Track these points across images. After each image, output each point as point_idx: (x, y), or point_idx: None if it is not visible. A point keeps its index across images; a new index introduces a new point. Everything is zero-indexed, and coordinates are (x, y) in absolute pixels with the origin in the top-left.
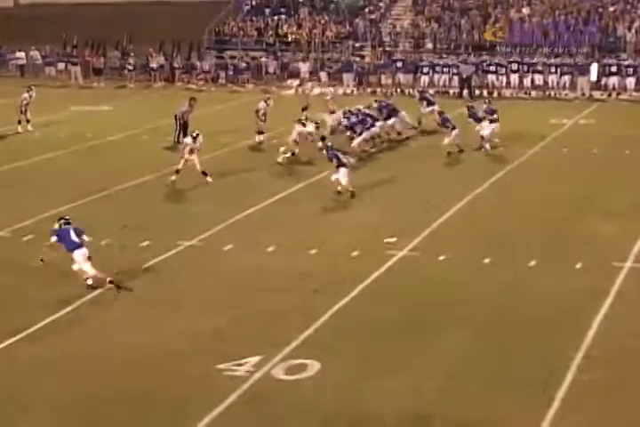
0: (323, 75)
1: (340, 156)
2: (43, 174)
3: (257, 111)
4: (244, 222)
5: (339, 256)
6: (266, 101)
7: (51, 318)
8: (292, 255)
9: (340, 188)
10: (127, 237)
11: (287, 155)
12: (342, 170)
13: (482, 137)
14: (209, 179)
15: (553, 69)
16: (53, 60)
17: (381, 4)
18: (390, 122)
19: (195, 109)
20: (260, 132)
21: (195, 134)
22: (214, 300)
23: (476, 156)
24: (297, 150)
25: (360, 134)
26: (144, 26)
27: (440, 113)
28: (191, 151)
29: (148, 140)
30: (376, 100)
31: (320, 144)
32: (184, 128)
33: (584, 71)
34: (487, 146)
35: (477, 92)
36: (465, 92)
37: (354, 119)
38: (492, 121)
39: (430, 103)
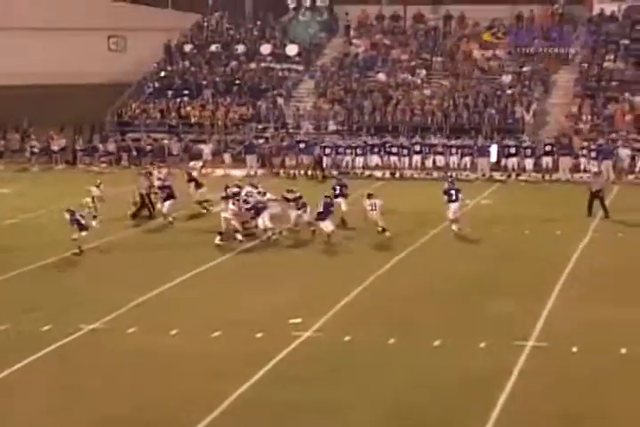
0: (226, 156)
1: (81, 220)
2: None
3: (92, 197)
4: (147, 304)
5: (243, 338)
6: (98, 186)
7: None
8: (195, 338)
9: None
10: (28, 321)
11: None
12: (84, 233)
13: (450, 219)
14: None
15: (454, 151)
16: None
17: (284, 87)
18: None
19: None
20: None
21: None
22: (117, 384)
23: (377, 238)
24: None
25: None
26: (45, 108)
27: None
28: None
29: (49, 223)
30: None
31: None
32: (150, 202)
33: (484, 152)
34: (454, 227)
35: (379, 173)
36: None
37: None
38: (452, 201)
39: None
